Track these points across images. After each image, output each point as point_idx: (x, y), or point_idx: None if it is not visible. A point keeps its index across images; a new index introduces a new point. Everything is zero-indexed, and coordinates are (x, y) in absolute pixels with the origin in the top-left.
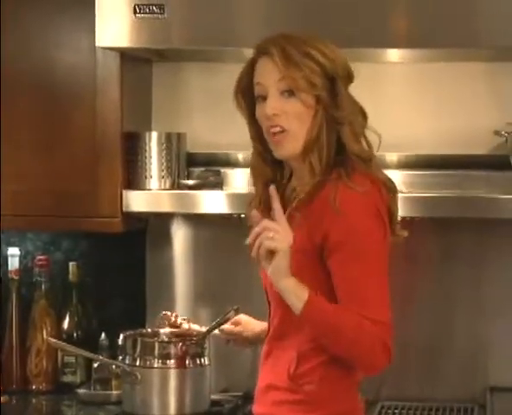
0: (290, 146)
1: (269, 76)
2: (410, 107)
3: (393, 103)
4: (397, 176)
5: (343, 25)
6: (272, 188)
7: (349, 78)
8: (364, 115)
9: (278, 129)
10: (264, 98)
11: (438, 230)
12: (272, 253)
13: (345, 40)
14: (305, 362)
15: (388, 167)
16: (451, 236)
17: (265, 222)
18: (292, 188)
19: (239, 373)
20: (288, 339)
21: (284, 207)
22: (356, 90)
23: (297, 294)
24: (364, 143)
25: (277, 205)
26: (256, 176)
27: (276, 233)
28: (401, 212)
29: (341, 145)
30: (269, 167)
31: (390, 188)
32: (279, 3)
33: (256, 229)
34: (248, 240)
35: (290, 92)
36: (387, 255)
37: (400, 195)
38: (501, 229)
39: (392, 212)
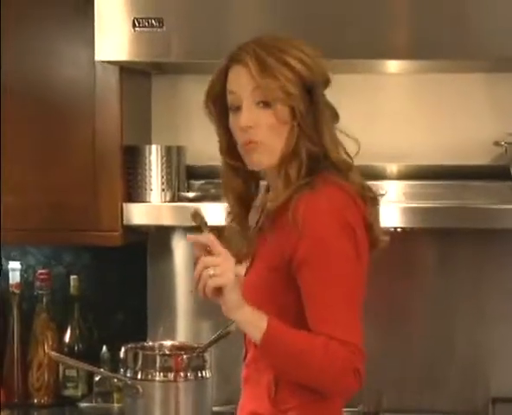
0: (264, 158)
1: (243, 85)
2: (409, 118)
3: (393, 114)
4: (397, 187)
5: (342, 37)
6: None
7: (327, 83)
8: (336, 117)
9: (252, 141)
10: (238, 108)
11: (437, 240)
12: (219, 289)
13: (344, 51)
14: (284, 386)
15: (388, 177)
16: (451, 246)
17: (203, 260)
18: (265, 202)
19: (240, 386)
20: (265, 361)
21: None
22: (356, 101)
23: (254, 324)
24: (343, 152)
25: (206, 237)
26: (227, 190)
27: (216, 268)
28: (401, 222)
29: (316, 155)
30: (240, 179)
31: (368, 199)
32: (277, 16)
33: (197, 269)
34: (192, 285)
35: (265, 103)
36: (362, 275)
37: (399, 205)
38: (501, 239)
39: (369, 223)
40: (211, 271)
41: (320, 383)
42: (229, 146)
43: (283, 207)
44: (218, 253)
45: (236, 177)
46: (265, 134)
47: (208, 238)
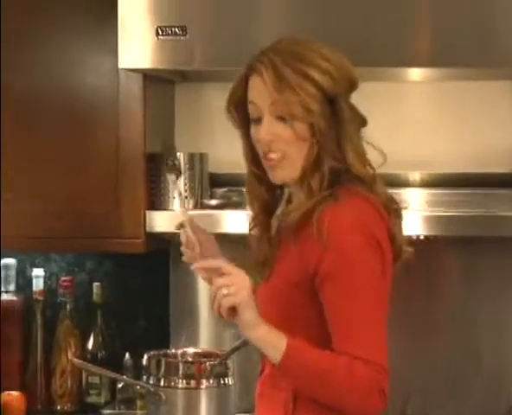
0: (286, 172)
1: (262, 98)
2: (432, 126)
3: (416, 122)
4: (420, 195)
5: (364, 44)
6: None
7: (352, 87)
8: (363, 123)
9: (273, 155)
10: (258, 120)
11: (461, 249)
12: (234, 308)
13: (366, 59)
14: (302, 404)
15: (411, 185)
16: (475, 255)
17: (216, 280)
18: (288, 213)
19: None
20: (284, 380)
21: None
22: (379, 109)
23: (273, 343)
24: (367, 165)
25: (209, 262)
26: (252, 198)
27: (230, 288)
28: (423, 230)
29: (338, 168)
30: (264, 187)
31: (392, 211)
32: (300, 23)
33: (212, 291)
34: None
35: (284, 118)
36: (386, 289)
37: (422, 214)
38: None
39: (393, 234)
40: (225, 291)
41: (344, 403)
42: (253, 154)
43: (305, 220)
44: (228, 273)
45: (260, 185)
46: (286, 148)
47: (213, 262)
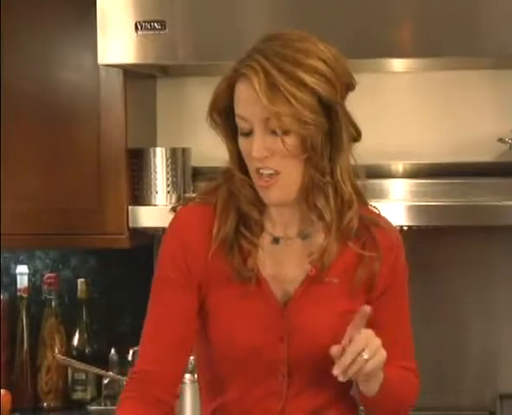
0: (282, 193)
1: (252, 110)
2: (414, 116)
3: (398, 112)
4: (403, 185)
5: (346, 36)
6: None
7: (349, 89)
8: (358, 137)
9: (268, 171)
10: (249, 132)
11: (443, 238)
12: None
13: (349, 51)
14: None
15: (394, 176)
16: (458, 244)
17: (355, 347)
18: (272, 237)
19: None
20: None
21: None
22: (361, 100)
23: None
24: (350, 185)
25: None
26: (248, 203)
27: (370, 351)
28: (407, 221)
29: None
30: (255, 191)
31: None
32: (282, 15)
33: (348, 355)
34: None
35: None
36: None
37: (405, 204)
38: (507, 236)
39: None
40: (366, 356)
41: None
42: (240, 159)
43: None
44: (363, 336)
45: (252, 189)
46: (281, 164)
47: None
